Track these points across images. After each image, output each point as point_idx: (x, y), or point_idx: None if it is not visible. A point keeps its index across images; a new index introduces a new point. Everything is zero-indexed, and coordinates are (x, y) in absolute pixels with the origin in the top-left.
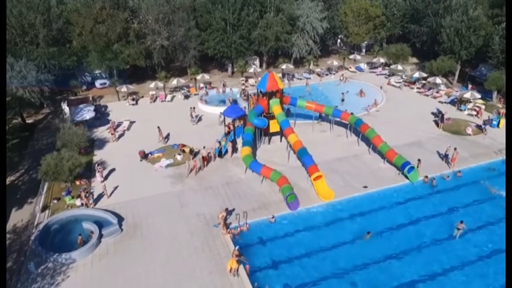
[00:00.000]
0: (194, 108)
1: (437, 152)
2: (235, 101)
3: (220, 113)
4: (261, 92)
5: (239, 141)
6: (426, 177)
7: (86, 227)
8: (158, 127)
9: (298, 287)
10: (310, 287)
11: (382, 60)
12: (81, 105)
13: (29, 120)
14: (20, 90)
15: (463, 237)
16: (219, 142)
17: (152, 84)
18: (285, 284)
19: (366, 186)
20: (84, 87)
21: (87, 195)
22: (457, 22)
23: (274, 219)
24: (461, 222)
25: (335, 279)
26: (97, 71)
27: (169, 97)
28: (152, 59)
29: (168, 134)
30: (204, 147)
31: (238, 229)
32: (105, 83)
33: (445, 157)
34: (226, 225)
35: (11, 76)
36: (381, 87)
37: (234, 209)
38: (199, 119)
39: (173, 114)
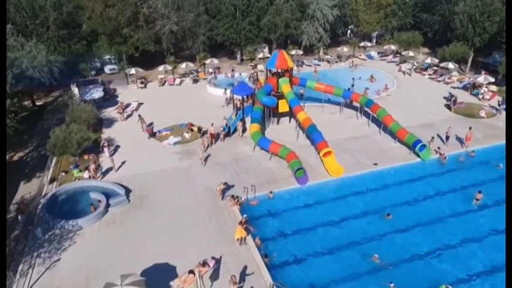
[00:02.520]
0: (226, 89)
1: (438, 134)
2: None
3: (225, 91)
4: (270, 71)
5: (248, 120)
6: (440, 154)
7: (93, 197)
8: (139, 115)
9: (305, 257)
10: (319, 257)
11: (393, 47)
12: (90, 86)
13: (39, 102)
14: (30, 70)
15: (476, 212)
16: (228, 120)
17: (161, 68)
18: (293, 254)
19: (376, 164)
20: (94, 73)
21: (96, 168)
22: (470, 7)
23: (273, 194)
24: (480, 192)
25: (345, 251)
26: (106, 57)
27: (178, 81)
28: (161, 44)
29: (152, 123)
30: (212, 124)
31: (243, 198)
32: (114, 69)
33: (446, 139)
34: (234, 197)
35: (21, 55)
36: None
37: (233, 185)
38: (230, 101)
39: (182, 96)
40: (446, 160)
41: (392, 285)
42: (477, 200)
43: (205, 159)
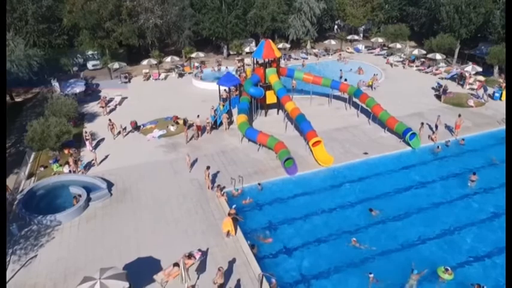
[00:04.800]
0: None
1: (428, 124)
2: None
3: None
4: (257, 61)
5: (234, 111)
6: (432, 139)
7: (73, 191)
8: (109, 119)
9: (295, 248)
10: (308, 248)
11: (380, 40)
12: (71, 80)
13: (18, 99)
14: (7, 64)
15: (468, 198)
16: (215, 111)
17: (145, 62)
18: (283, 245)
19: (366, 153)
20: (76, 69)
21: (76, 161)
22: None
23: (261, 186)
24: (474, 174)
25: (336, 241)
26: (89, 52)
27: (163, 75)
28: (146, 39)
29: (125, 128)
30: (198, 116)
31: (239, 190)
32: (97, 65)
33: (435, 128)
34: (220, 188)
35: None
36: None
37: (219, 171)
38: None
39: (167, 90)
40: (440, 148)
41: (371, 276)
42: (472, 181)
43: (192, 165)
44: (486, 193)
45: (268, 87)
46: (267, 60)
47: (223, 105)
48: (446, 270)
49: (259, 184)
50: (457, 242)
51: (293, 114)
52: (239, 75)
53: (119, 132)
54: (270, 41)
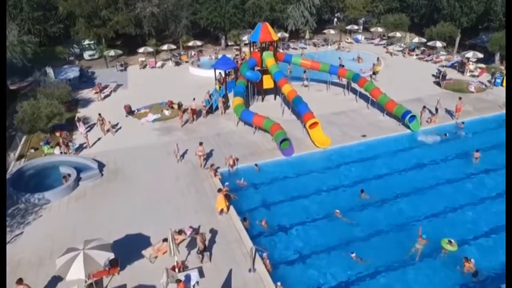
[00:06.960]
0: None
1: (428, 107)
2: None
3: None
4: (254, 44)
5: (231, 96)
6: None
7: (63, 170)
8: (99, 114)
9: (289, 227)
10: (303, 226)
11: (380, 29)
12: (66, 66)
13: (13, 87)
14: None
15: (466, 179)
16: (210, 95)
17: (142, 49)
18: (278, 224)
19: (364, 135)
20: (72, 59)
21: (67, 142)
22: None
23: (259, 167)
24: (477, 151)
25: (332, 220)
26: (86, 42)
27: (159, 64)
28: (142, 28)
29: (117, 124)
30: (193, 99)
31: (233, 157)
32: (93, 55)
33: (436, 111)
34: (214, 169)
35: None
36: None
37: (212, 150)
38: None
39: (164, 78)
40: (447, 136)
41: (353, 255)
42: (476, 158)
43: (182, 156)
44: (486, 174)
45: (265, 71)
46: (264, 45)
47: (220, 87)
48: (450, 242)
49: (256, 165)
50: (457, 220)
51: (290, 96)
52: (236, 62)
53: (108, 130)
54: (267, 23)
